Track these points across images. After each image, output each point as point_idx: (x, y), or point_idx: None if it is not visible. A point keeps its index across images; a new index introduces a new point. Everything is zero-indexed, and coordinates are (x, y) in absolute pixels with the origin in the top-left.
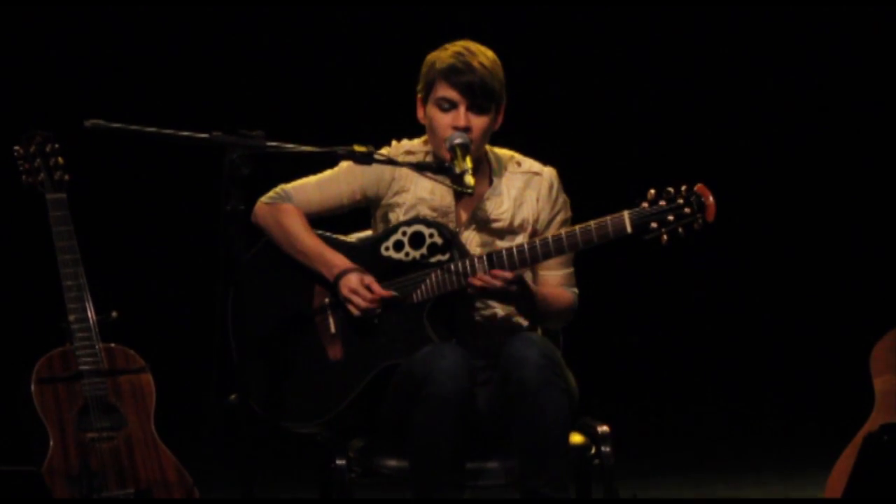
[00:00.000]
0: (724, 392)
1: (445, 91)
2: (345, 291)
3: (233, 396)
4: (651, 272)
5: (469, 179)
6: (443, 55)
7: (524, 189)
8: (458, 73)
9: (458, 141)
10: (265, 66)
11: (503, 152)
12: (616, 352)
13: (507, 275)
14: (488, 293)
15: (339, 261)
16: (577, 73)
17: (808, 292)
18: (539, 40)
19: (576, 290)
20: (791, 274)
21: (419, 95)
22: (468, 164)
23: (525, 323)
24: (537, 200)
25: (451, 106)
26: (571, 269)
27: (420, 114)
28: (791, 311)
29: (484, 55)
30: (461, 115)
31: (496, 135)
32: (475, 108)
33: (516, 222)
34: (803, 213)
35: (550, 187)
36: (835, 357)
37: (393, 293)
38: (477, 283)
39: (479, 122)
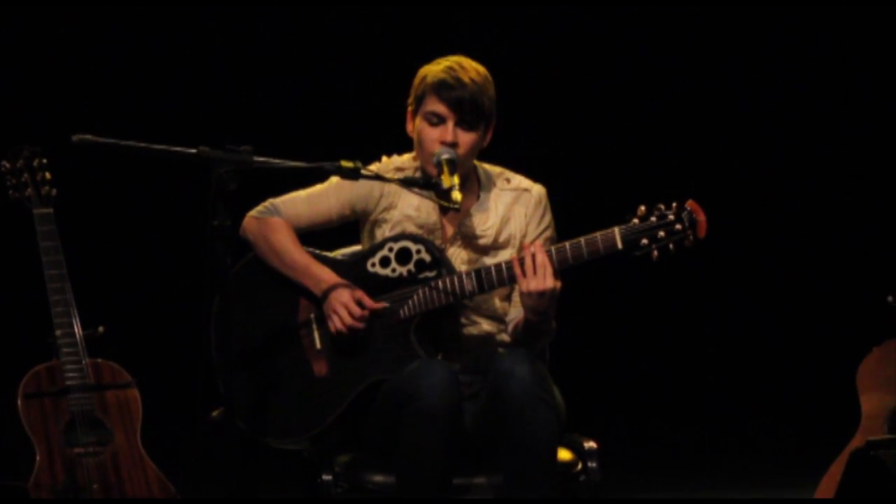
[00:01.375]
0: (711, 408)
1: (435, 105)
2: (334, 305)
3: (215, 413)
4: (639, 287)
5: (456, 195)
6: (434, 69)
7: (512, 205)
8: (448, 88)
9: (445, 156)
10: (253, 81)
11: (493, 168)
12: (603, 367)
13: (558, 284)
14: (535, 290)
15: (328, 276)
16: (568, 88)
17: (794, 309)
18: (530, 56)
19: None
20: (778, 290)
21: (409, 108)
22: (455, 179)
23: (508, 339)
24: (525, 216)
25: (439, 120)
26: (554, 303)
27: (409, 127)
28: (777, 327)
29: (475, 71)
30: (449, 131)
31: (488, 152)
32: (464, 123)
33: (501, 238)
34: (791, 230)
35: (538, 203)
36: (821, 374)
37: (384, 304)
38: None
39: (466, 138)
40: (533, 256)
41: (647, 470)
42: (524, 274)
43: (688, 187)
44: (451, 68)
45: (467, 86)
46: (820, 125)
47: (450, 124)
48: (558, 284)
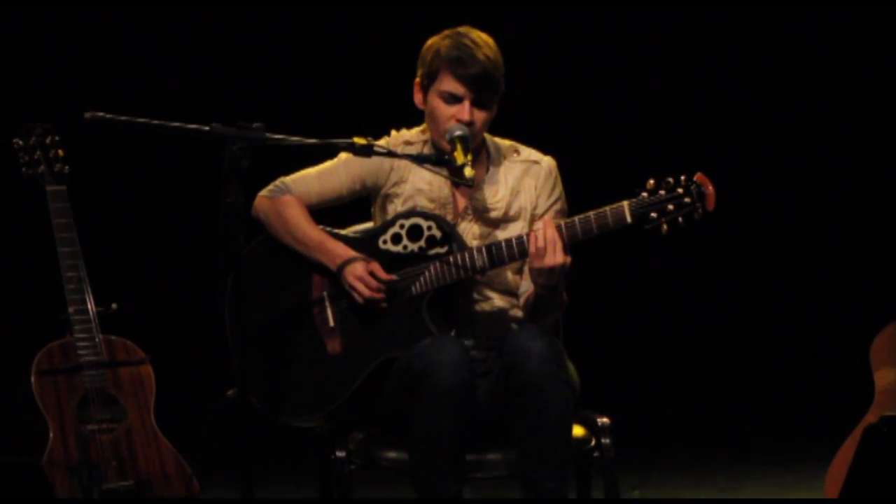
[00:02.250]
0: (725, 385)
1: (450, 84)
2: (350, 279)
3: (230, 392)
4: (651, 264)
5: (469, 172)
6: (446, 44)
7: (522, 177)
8: (463, 66)
9: (458, 133)
10: (264, 58)
11: (502, 141)
12: (616, 344)
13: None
14: (547, 266)
15: (342, 250)
16: (576, 62)
17: (808, 285)
18: (538, 28)
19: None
20: (791, 267)
21: (418, 80)
22: (469, 156)
23: (521, 315)
24: (535, 188)
25: (455, 99)
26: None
27: (418, 99)
28: (791, 303)
29: (487, 45)
30: (466, 110)
31: (497, 126)
32: (480, 102)
33: (512, 211)
34: (804, 205)
35: (548, 175)
36: (835, 349)
37: (394, 277)
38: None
39: (481, 116)
40: (543, 232)
41: (661, 446)
42: (535, 250)
43: (697, 160)
44: (465, 45)
45: (482, 62)
46: (831, 99)
47: (466, 103)
48: (568, 260)
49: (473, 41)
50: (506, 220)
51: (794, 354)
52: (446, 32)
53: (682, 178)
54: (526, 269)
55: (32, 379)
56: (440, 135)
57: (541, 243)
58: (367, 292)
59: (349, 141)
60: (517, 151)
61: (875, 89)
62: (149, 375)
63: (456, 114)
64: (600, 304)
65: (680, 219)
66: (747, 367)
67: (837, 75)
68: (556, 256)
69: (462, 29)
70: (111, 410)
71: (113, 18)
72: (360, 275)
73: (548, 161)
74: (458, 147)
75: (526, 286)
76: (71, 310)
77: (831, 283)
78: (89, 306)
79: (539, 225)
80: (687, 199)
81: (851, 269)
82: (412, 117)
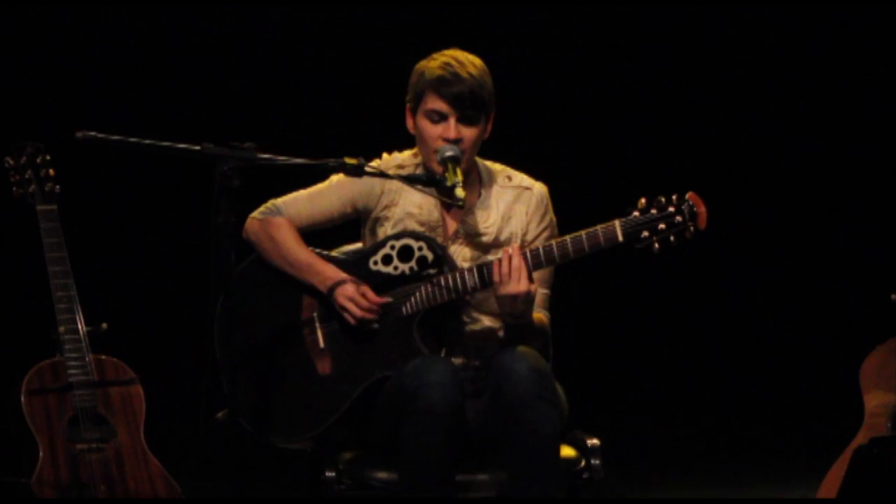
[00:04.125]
0: (715, 406)
1: (435, 103)
2: (341, 300)
3: (220, 413)
4: (642, 284)
5: (459, 192)
6: (431, 65)
7: (513, 203)
8: (447, 85)
9: (448, 153)
10: (256, 77)
11: (494, 166)
12: (607, 364)
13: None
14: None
15: (332, 272)
16: (567, 81)
17: (798, 307)
18: (528, 50)
19: (548, 313)
20: (781, 287)
21: (408, 105)
22: (459, 176)
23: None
24: (526, 214)
25: (440, 118)
26: (549, 293)
27: (409, 123)
28: (781, 325)
29: (472, 64)
30: (451, 127)
31: (488, 148)
32: (465, 119)
33: (503, 236)
34: (795, 225)
35: (540, 202)
36: (824, 371)
37: (388, 299)
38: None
39: (469, 133)
40: (508, 258)
41: (651, 467)
42: (499, 277)
43: (688, 179)
44: (448, 64)
45: (466, 81)
46: (822, 120)
47: (451, 121)
48: (533, 288)
49: (458, 61)
50: (496, 244)
51: (783, 376)
52: (434, 55)
53: (674, 197)
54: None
55: (22, 398)
56: (430, 156)
57: (505, 269)
58: (358, 312)
59: (340, 161)
60: (509, 177)
61: (866, 114)
62: (139, 395)
63: (442, 132)
64: (590, 324)
65: (672, 238)
66: (737, 389)
67: (829, 98)
68: (520, 284)
69: (449, 51)
70: (101, 430)
71: (104, 37)
72: (352, 295)
73: (539, 187)
74: (450, 167)
75: None
76: (61, 329)
77: (821, 305)
78: (79, 326)
79: (507, 251)
80: (678, 219)
81: (841, 292)
82: (405, 140)
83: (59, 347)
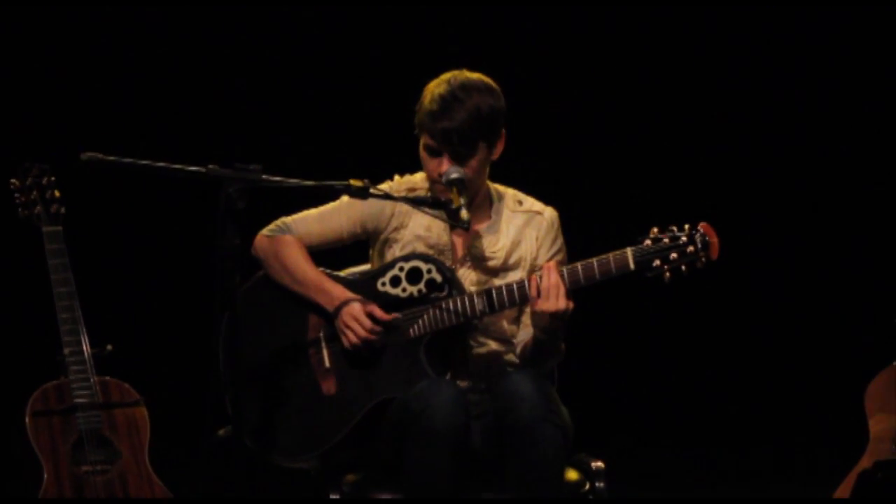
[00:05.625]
0: (719, 429)
1: (427, 139)
2: (346, 320)
3: (222, 431)
4: (647, 306)
5: (465, 215)
6: (430, 96)
7: (524, 228)
8: (436, 120)
9: (454, 176)
10: (265, 99)
11: (506, 190)
12: (611, 387)
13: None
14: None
15: (340, 291)
16: (582, 109)
17: (802, 330)
18: (543, 75)
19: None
20: (785, 312)
21: (416, 131)
22: (463, 199)
23: (516, 360)
24: (536, 239)
25: (433, 153)
26: (564, 324)
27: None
28: (785, 349)
29: (469, 97)
30: (444, 164)
31: (500, 172)
32: (456, 155)
33: (511, 260)
34: (799, 252)
35: (550, 227)
36: (829, 395)
37: (396, 315)
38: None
39: (465, 164)
40: (547, 276)
41: (655, 491)
42: (538, 294)
43: (700, 209)
44: (441, 97)
45: (455, 117)
46: (828, 149)
47: (445, 157)
48: (571, 305)
49: (454, 94)
50: (504, 269)
51: (788, 400)
52: (442, 77)
53: (686, 226)
54: (524, 318)
55: (27, 420)
56: (434, 185)
57: (544, 285)
58: (362, 333)
59: (346, 183)
60: (520, 202)
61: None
62: (143, 417)
63: (437, 167)
64: (595, 347)
65: (683, 267)
66: (743, 413)
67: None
68: (559, 301)
69: (455, 75)
70: (105, 452)
71: (110, 59)
72: (357, 315)
73: (550, 212)
74: (454, 190)
75: (523, 335)
76: (66, 351)
77: (826, 329)
78: (84, 347)
79: (546, 267)
80: (690, 249)
81: (845, 316)
82: (417, 163)
83: (63, 369)
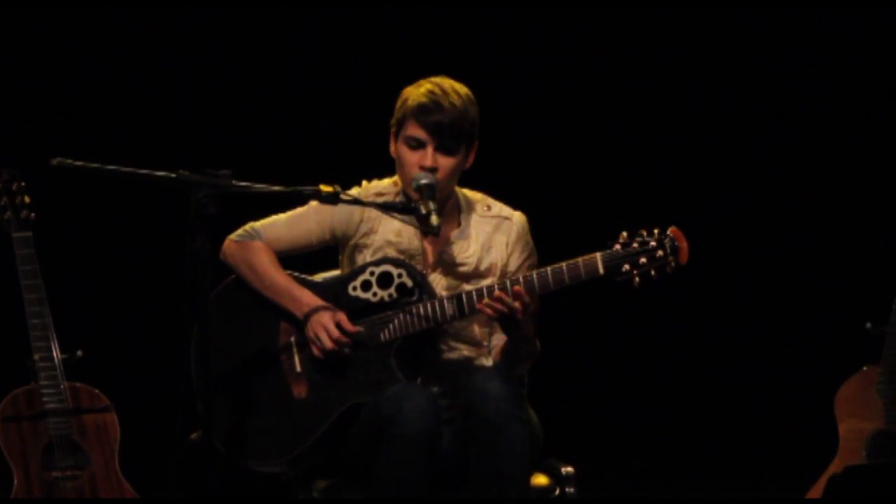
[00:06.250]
0: (689, 434)
1: (414, 130)
2: (315, 328)
3: (194, 435)
4: (618, 311)
5: (434, 220)
6: (415, 92)
7: (493, 233)
8: (427, 113)
9: (424, 181)
10: (234, 104)
11: (474, 195)
12: (581, 392)
13: (528, 298)
14: (505, 317)
15: (309, 298)
16: (550, 113)
17: (773, 335)
18: (513, 79)
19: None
20: (756, 317)
21: (392, 130)
22: (432, 205)
23: (489, 364)
24: (507, 245)
25: (418, 145)
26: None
27: (392, 148)
28: (756, 353)
29: (456, 93)
30: (428, 155)
31: (469, 177)
32: (443, 148)
33: (483, 266)
34: (771, 257)
35: (521, 232)
36: (799, 400)
37: (360, 329)
38: (494, 306)
39: (446, 163)
40: (500, 300)
41: (626, 494)
42: (497, 315)
43: (670, 213)
44: (431, 92)
45: (447, 110)
46: (802, 153)
47: (429, 149)
48: (532, 304)
49: (442, 89)
50: (476, 275)
51: (758, 405)
52: (420, 81)
53: (656, 231)
54: (495, 322)
55: None
56: (408, 182)
57: (501, 308)
58: (329, 344)
59: (315, 189)
60: (489, 206)
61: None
62: (113, 423)
63: (419, 160)
64: (566, 352)
65: (652, 272)
66: (712, 417)
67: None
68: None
69: (436, 78)
70: (76, 457)
71: (80, 64)
72: (325, 324)
73: (518, 217)
74: (424, 195)
75: (496, 339)
76: (36, 357)
77: (797, 334)
78: (54, 353)
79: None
80: (660, 253)
81: (816, 321)
82: (386, 167)
83: (34, 375)
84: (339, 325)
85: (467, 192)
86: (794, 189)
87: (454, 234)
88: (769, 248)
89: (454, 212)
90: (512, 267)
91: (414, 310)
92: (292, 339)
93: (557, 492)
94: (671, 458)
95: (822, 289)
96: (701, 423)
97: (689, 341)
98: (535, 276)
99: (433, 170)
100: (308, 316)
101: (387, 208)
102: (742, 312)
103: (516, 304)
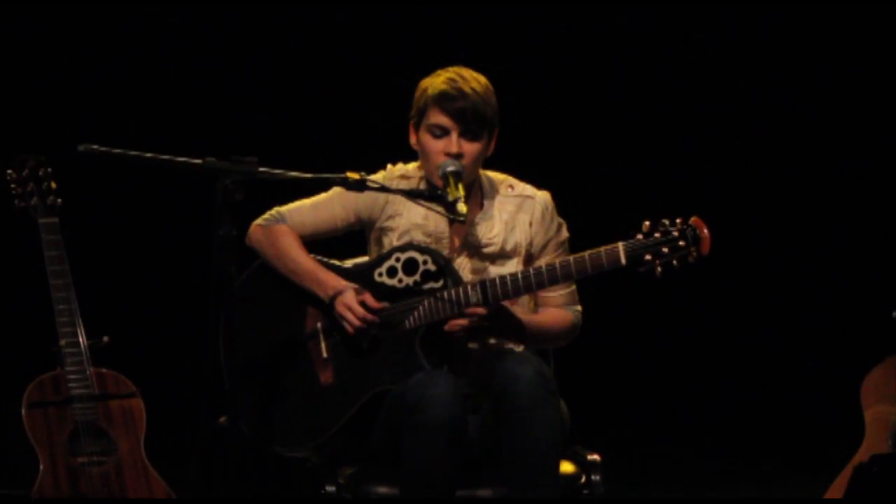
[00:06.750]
0: (715, 422)
1: (437, 118)
2: (340, 309)
3: (222, 419)
4: (643, 300)
5: (462, 207)
6: (435, 81)
7: (516, 213)
8: (450, 100)
9: (450, 168)
10: (259, 91)
11: (496, 176)
12: (607, 380)
13: (480, 310)
14: (471, 331)
15: (334, 280)
16: (574, 102)
17: (799, 324)
18: (535, 68)
19: (578, 307)
20: (782, 305)
21: (411, 122)
22: (461, 191)
23: (518, 349)
24: (530, 224)
25: (443, 132)
26: (573, 288)
27: (412, 140)
28: (782, 342)
29: (476, 81)
30: (453, 142)
31: (492, 161)
32: (467, 134)
33: (508, 246)
34: (796, 245)
35: (544, 211)
36: (825, 388)
37: (386, 305)
38: (454, 326)
39: (471, 149)
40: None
41: (652, 484)
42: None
43: (692, 203)
44: (452, 80)
45: (469, 96)
46: (825, 141)
47: (454, 136)
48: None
49: (462, 77)
50: (501, 255)
51: (784, 392)
52: (438, 72)
53: (678, 220)
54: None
55: (23, 411)
56: (433, 171)
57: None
58: (355, 322)
59: (342, 176)
60: (511, 186)
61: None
62: (139, 408)
63: (444, 147)
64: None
65: (675, 261)
66: (739, 405)
67: (833, 116)
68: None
69: (453, 68)
70: (101, 443)
71: (107, 50)
72: (350, 304)
73: (542, 196)
74: (451, 182)
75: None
76: (62, 342)
77: (823, 322)
78: (80, 339)
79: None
80: (682, 243)
81: (842, 309)
82: (408, 156)
83: (59, 360)
84: (364, 304)
85: (490, 173)
86: (820, 177)
87: (478, 215)
88: (796, 236)
89: (477, 194)
90: (537, 247)
91: (439, 296)
92: (319, 324)
93: (583, 479)
94: (696, 445)
95: (848, 277)
96: (726, 411)
97: (715, 330)
98: (557, 265)
99: (458, 156)
100: (334, 298)
101: (414, 196)
102: (768, 301)
103: (468, 322)
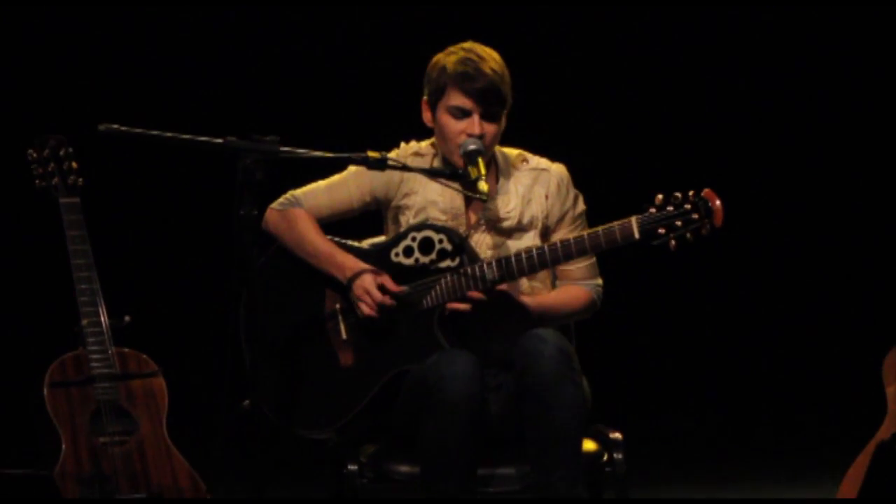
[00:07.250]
0: (737, 399)
1: (459, 99)
2: (358, 292)
3: (246, 402)
4: (663, 279)
5: (483, 185)
6: (451, 59)
7: (532, 186)
8: (471, 80)
9: (472, 147)
10: (277, 70)
11: (511, 150)
12: (630, 359)
13: (477, 295)
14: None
15: (352, 262)
16: (585, 77)
17: (820, 299)
18: (548, 41)
19: (598, 280)
20: (804, 281)
21: (425, 99)
22: (482, 169)
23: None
24: (546, 197)
25: (464, 114)
26: (593, 260)
27: (426, 117)
28: (803, 318)
29: (493, 59)
30: (476, 123)
31: (505, 135)
32: (488, 115)
33: (525, 220)
34: (815, 220)
35: (560, 183)
36: (847, 364)
37: (405, 288)
38: (457, 306)
39: (491, 129)
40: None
41: (674, 462)
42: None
43: (705, 175)
44: (469, 59)
45: (489, 76)
46: (841, 116)
47: (475, 117)
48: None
49: (479, 55)
50: (519, 229)
51: (806, 370)
52: (451, 48)
53: (690, 193)
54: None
55: (45, 391)
56: (452, 150)
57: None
58: (373, 305)
59: (363, 155)
60: (526, 160)
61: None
62: (161, 388)
63: (466, 128)
64: (613, 318)
65: (688, 234)
66: (760, 383)
67: (845, 97)
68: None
69: (466, 44)
70: (123, 423)
71: (127, 30)
72: (367, 287)
73: (557, 168)
74: (474, 161)
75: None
76: (84, 322)
77: (844, 297)
78: (102, 318)
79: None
80: (695, 216)
81: (863, 284)
82: (419, 133)
83: (81, 340)
84: (382, 287)
85: (505, 148)
86: (841, 152)
87: (494, 190)
88: (816, 215)
89: (492, 169)
90: (553, 219)
91: (455, 275)
92: (337, 305)
93: (605, 457)
94: (717, 423)
95: (870, 252)
96: (749, 388)
97: (735, 306)
98: (571, 240)
99: (480, 136)
100: (352, 280)
101: (435, 174)
102: (787, 279)
103: (466, 306)
